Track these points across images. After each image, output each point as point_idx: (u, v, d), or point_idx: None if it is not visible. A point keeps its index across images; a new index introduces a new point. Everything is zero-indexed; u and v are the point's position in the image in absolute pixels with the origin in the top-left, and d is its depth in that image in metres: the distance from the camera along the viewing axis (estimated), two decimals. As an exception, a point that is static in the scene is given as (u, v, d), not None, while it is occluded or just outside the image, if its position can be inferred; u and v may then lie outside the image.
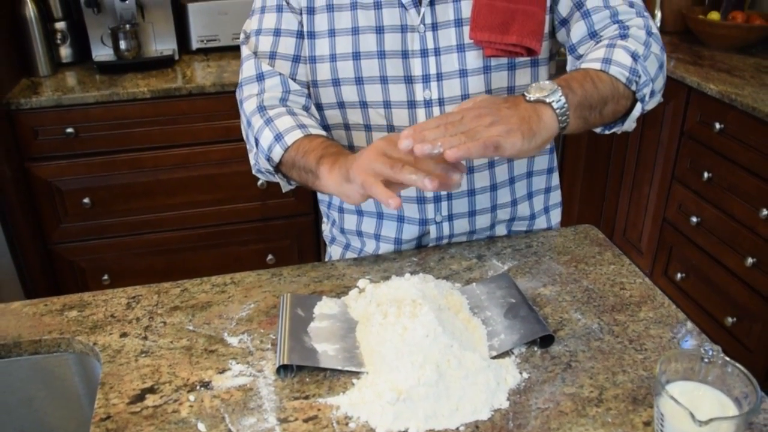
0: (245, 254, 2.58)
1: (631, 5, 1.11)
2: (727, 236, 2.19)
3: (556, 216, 1.35)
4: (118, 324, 1.00)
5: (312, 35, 1.15)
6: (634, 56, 1.04)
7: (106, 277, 2.48)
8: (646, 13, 1.12)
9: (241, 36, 1.22)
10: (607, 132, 1.13)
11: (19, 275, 2.19)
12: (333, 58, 1.15)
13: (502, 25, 1.06)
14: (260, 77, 1.15)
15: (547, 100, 0.94)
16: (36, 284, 2.29)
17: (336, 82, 1.16)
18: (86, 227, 2.38)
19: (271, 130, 1.10)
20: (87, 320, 1.01)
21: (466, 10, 1.10)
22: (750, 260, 2.07)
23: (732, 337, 2.20)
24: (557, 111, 0.94)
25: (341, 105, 1.18)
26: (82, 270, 2.45)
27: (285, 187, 1.18)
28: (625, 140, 2.69)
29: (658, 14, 2.83)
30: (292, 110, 1.13)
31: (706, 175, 2.24)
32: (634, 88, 1.04)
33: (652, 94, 1.09)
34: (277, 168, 1.13)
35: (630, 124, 1.10)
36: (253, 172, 1.20)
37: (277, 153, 1.09)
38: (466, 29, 1.10)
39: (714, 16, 2.67)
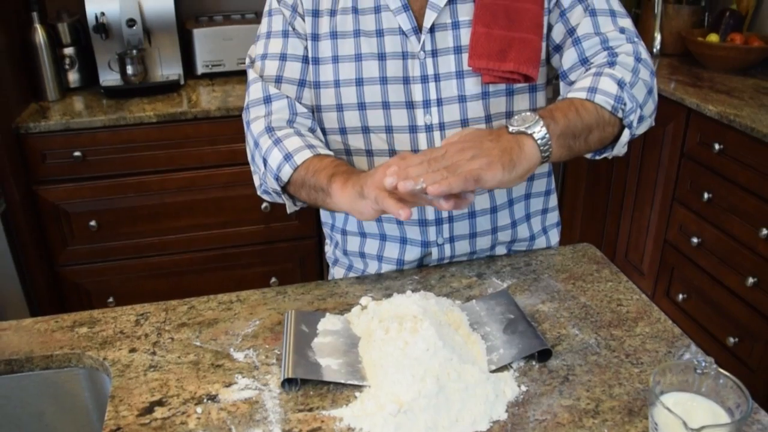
0: (249, 277, 2.61)
1: (622, 31, 1.14)
2: (727, 256, 2.21)
3: (554, 236, 1.37)
4: (127, 340, 1.02)
5: (316, 61, 1.19)
6: (620, 84, 1.06)
7: (111, 299, 2.50)
8: (636, 39, 1.15)
9: (247, 60, 1.26)
10: (598, 158, 1.16)
11: (26, 297, 2.21)
12: (337, 83, 1.18)
13: (499, 53, 1.09)
14: (267, 100, 1.18)
15: (529, 132, 0.97)
16: (42, 306, 2.32)
17: (339, 108, 1.19)
18: (92, 250, 2.41)
19: (280, 150, 1.12)
20: (97, 336, 1.03)
21: (465, 38, 1.13)
22: (751, 280, 2.09)
23: (734, 357, 2.21)
24: (539, 141, 0.97)
25: (343, 131, 1.21)
26: (88, 292, 2.48)
27: (290, 208, 1.21)
28: (626, 162, 2.72)
29: (658, 37, 2.87)
30: (300, 131, 1.16)
31: (706, 195, 2.27)
32: (620, 115, 1.06)
33: (641, 119, 1.12)
34: (284, 188, 1.16)
35: (620, 149, 1.13)
36: (259, 192, 1.23)
37: (286, 172, 1.12)
38: (465, 56, 1.13)
39: (713, 38, 2.71)
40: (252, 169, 1.21)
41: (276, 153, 1.13)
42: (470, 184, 0.91)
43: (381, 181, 0.95)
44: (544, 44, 1.15)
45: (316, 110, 1.22)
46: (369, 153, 1.21)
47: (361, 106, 1.17)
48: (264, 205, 2.49)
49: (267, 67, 1.20)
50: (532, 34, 1.11)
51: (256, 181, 1.21)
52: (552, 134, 0.98)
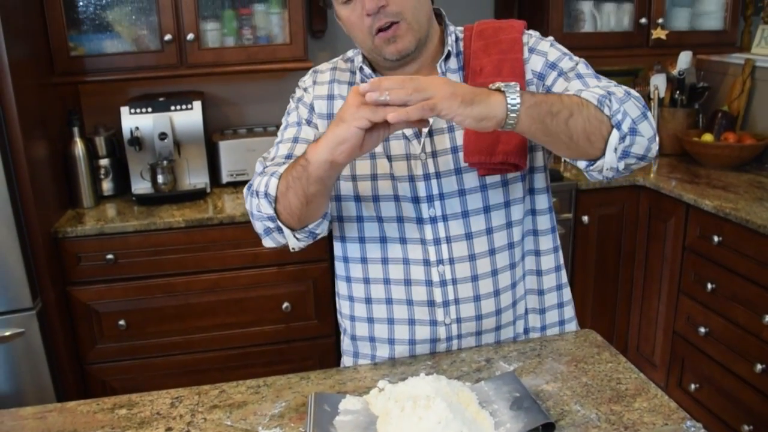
0: (269, 375, 2.65)
1: (609, 84, 1.21)
2: (735, 344, 2.26)
3: (572, 329, 1.44)
4: (163, 420, 1.11)
5: None
6: (609, 93, 1.14)
7: (136, 398, 2.57)
8: (624, 87, 1.20)
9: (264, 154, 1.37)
10: (591, 169, 1.18)
11: (56, 394, 2.29)
12: (354, 178, 1.32)
13: (488, 148, 1.23)
14: (263, 173, 1.27)
15: (503, 89, 1.05)
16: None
17: (357, 198, 1.33)
18: (120, 348, 2.51)
19: (266, 175, 1.22)
20: (135, 417, 1.12)
21: (460, 139, 1.27)
22: (759, 367, 2.14)
23: (751, 447, 2.23)
24: (509, 102, 1.03)
25: (360, 219, 1.34)
26: (113, 389, 2.55)
27: (292, 241, 1.26)
28: (632, 257, 2.82)
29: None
30: None
31: (709, 286, 2.35)
32: (606, 111, 1.11)
33: (633, 132, 1.13)
34: (278, 214, 1.21)
35: (611, 158, 1.14)
36: (262, 238, 1.28)
37: (273, 184, 1.19)
38: (461, 155, 1.27)
39: (708, 137, 2.88)
40: (256, 225, 1.28)
41: (264, 178, 1.22)
42: (426, 112, 0.99)
43: (353, 103, 1.03)
44: None
45: (335, 200, 1.35)
46: (383, 240, 1.33)
47: (376, 198, 1.31)
48: (285, 305, 2.58)
49: (280, 149, 1.33)
50: None
51: (259, 228, 1.28)
52: (523, 103, 1.03)
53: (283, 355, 2.68)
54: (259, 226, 1.28)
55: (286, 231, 1.24)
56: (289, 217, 1.21)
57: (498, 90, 1.05)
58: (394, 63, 1.26)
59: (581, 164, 1.18)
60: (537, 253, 1.36)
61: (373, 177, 1.31)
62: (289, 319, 2.64)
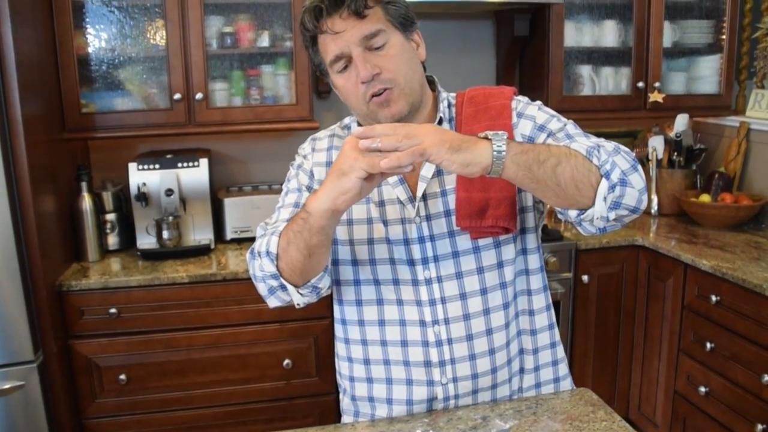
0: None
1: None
2: (735, 405, 2.26)
3: (566, 386, 1.46)
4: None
5: None
6: (598, 145, 1.16)
7: (134, 454, 2.55)
8: (614, 143, 1.22)
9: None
10: (582, 218, 1.18)
11: (55, 450, 2.29)
12: (351, 242, 1.36)
13: (479, 212, 1.27)
14: (263, 236, 1.31)
15: (490, 137, 1.08)
16: (68, 460, 2.37)
17: (354, 263, 1.36)
18: (119, 403, 2.50)
19: (269, 235, 1.26)
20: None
21: (452, 203, 1.31)
22: (760, 427, 2.12)
23: None
24: (494, 149, 1.07)
25: (357, 282, 1.37)
26: (113, 446, 2.54)
27: (295, 297, 1.29)
28: (632, 317, 2.82)
29: (655, 198, 3.07)
30: None
31: (708, 345, 2.36)
32: (595, 161, 1.13)
33: (624, 182, 1.14)
34: (280, 272, 1.24)
35: (601, 207, 1.14)
36: (267, 299, 1.31)
37: (273, 242, 1.23)
38: (454, 218, 1.30)
39: (705, 198, 2.92)
40: (259, 287, 1.31)
41: (265, 239, 1.26)
42: (416, 158, 1.04)
43: (350, 155, 1.08)
44: (520, 196, 1.31)
45: (333, 263, 1.38)
46: (380, 302, 1.36)
47: (372, 262, 1.35)
48: (286, 361, 2.59)
49: (281, 214, 1.37)
50: (505, 192, 1.26)
51: (263, 290, 1.31)
52: (509, 150, 1.07)
53: (284, 412, 2.67)
54: (262, 288, 1.30)
55: (290, 288, 1.27)
56: (292, 273, 1.25)
57: (486, 138, 1.09)
58: None
59: (572, 214, 1.19)
60: (531, 312, 1.39)
61: (370, 241, 1.35)
62: (290, 376, 2.64)
